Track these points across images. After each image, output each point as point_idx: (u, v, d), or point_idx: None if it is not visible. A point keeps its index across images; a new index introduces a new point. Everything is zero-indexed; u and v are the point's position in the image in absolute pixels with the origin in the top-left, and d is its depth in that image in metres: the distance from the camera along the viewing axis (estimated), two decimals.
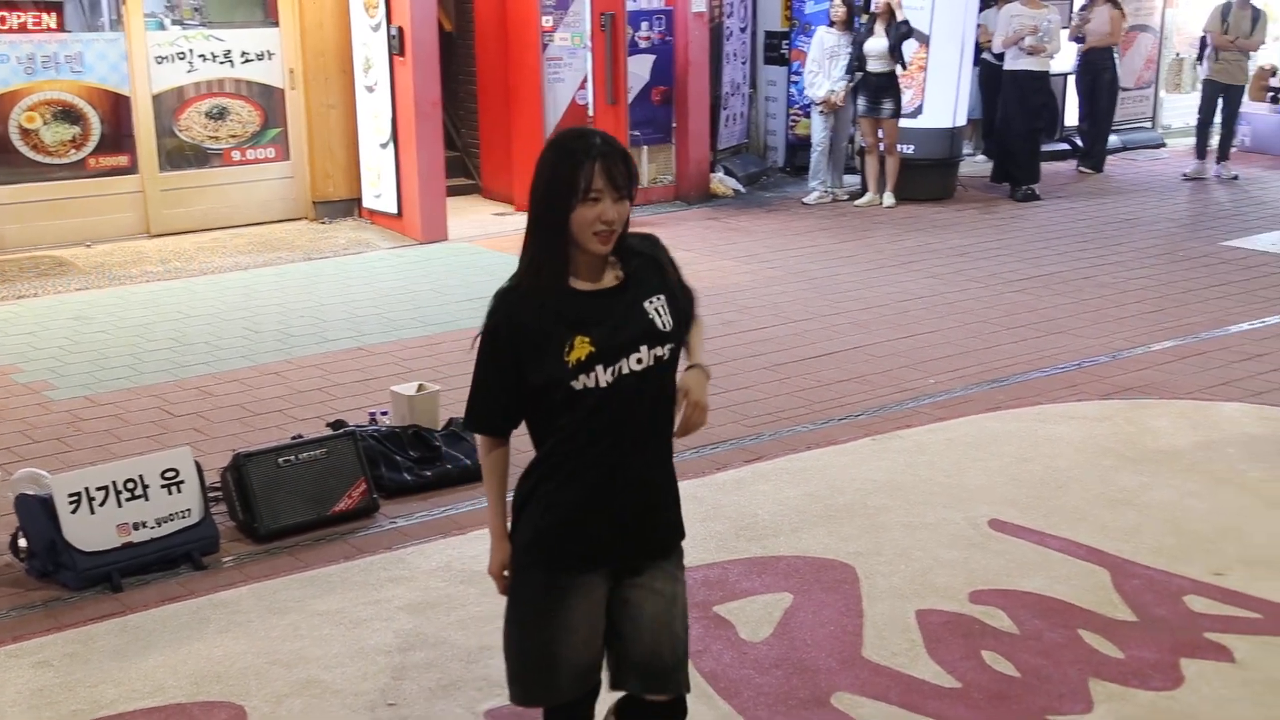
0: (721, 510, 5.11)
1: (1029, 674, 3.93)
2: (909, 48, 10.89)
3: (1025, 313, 7.92)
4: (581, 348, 2.71)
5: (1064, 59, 12.61)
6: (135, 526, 4.72)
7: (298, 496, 5.04)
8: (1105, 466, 5.50)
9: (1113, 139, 13.39)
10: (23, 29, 9.34)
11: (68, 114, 9.59)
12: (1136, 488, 5.28)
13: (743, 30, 12.24)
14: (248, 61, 10.20)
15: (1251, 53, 12.42)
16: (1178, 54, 14.76)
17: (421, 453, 5.51)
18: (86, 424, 6.23)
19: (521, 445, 2.90)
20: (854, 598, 4.40)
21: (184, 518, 4.81)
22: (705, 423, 2.92)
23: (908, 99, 11.17)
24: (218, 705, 3.85)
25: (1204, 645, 4.08)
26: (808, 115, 11.78)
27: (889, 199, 11.21)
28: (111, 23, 9.79)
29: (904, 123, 11.15)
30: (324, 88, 10.36)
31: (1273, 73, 14.09)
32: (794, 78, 12.20)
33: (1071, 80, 13.25)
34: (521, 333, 2.74)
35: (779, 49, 12.39)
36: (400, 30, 9.69)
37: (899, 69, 10.92)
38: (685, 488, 5.47)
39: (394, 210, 10.16)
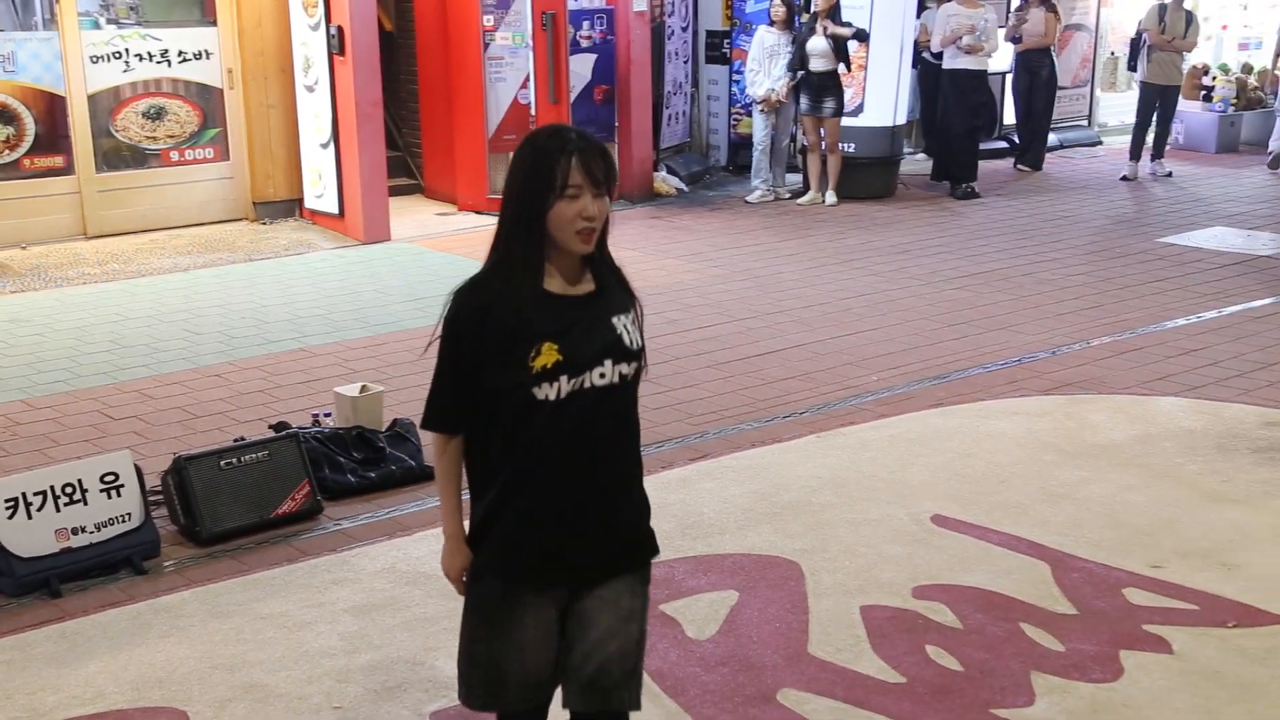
0: (667, 509, 5.11)
1: (972, 668, 3.97)
2: (851, 47, 10.97)
3: (966, 310, 8.01)
4: (549, 354, 2.62)
5: (1001, 58, 12.75)
6: (74, 531, 4.66)
7: (240, 499, 4.99)
8: (1046, 461, 5.57)
9: (1050, 137, 13.56)
10: None
11: (1, 114, 9.43)
12: (1076, 482, 5.35)
13: (684, 29, 12.27)
14: (185, 61, 10.08)
15: (1186, 53, 12.61)
16: (1113, 53, 14.97)
17: (365, 454, 5.48)
18: (23, 428, 6.13)
19: None
20: (799, 594, 4.43)
21: (124, 522, 4.75)
22: None
23: (849, 97, 11.25)
24: (159, 711, 3.80)
25: (1143, 637, 4.14)
26: (749, 114, 11.83)
27: (831, 197, 11.29)
28: (45, 21, 9.64)
29: (845, 121, 11.22)
30: (263, 87, 10.26)
31: (1205, 72, 14.34)
32: (735, 76, 12.26)
33: (1009, 79, 13.40)
34: (486, 330, 2.64)
35: (720, 48, 12.44)
36: (340, 29, 9.62)
37: (842, 69, 10.99)
38: None
39: (336, 210, 10.08)
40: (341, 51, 9.66)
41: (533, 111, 10.65)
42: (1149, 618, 4.26)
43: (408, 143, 11.96)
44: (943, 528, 4.93)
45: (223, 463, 5.02)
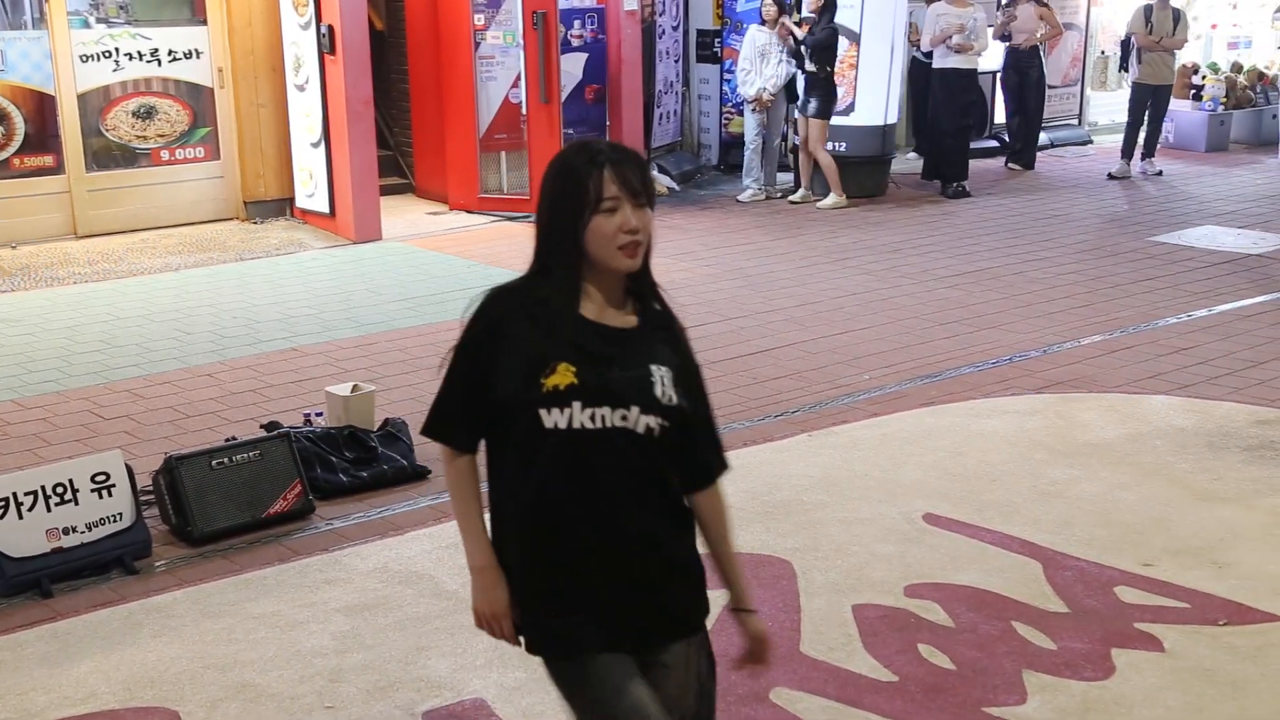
0: None
1: (964, 666, 3.97)
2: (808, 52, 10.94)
3: (957, 308, 8.02)
4: (563, 375, 2.39)
5: (991, 57, 12.77)
6: (65, 531, 4.64)
7: (231, 499, 4.98)
8: (1037, 460, 5.58)
9: (1041, 136, 13.59)
10: None
11: None
12: (1067, 480, 5.36)
13: (675, 28, 12.27)
14: (175, 60, 10.06)
15: (1177, 51, 12.63)
16: (1103, 52, 14.99)
17: (357, 454, 5.47)
18: (14, 428, 6.11)
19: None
20: (791, 593, 4.43)
21: (115, 522, 4.74)
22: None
23: (840, 95, 11.24)
24: (151, 711, 3.80)
25: (1134, 635, 4.15)
26: (741, 113, 11.83)
27: (830, 199, 11.23)
28: (34, 21, 9.62)
29: (836, 120, 11.22)
30: (254, 86, 10.24)
31: (1194, 70, 14.37)
32: (726, 76, 12.26)
33: (999, 78, 13.41)
34: (503, 337, 2.44)
35: (711, 47, 12.44)
36: (330, 29, 9.61)
37: (800, 70, 10.97)
38: None
39: (327, 210, 10.07)
40: (332, 50, 9.65)
41: (524, 110, 10.65)
42: (1140, 616, 4.27)
43: (399, 142, 11.95)
44: (935, 526, 4.94)
45: (214, 462, 5.01)
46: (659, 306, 2.56)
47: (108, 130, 9.90)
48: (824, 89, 10.96)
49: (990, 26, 12.63)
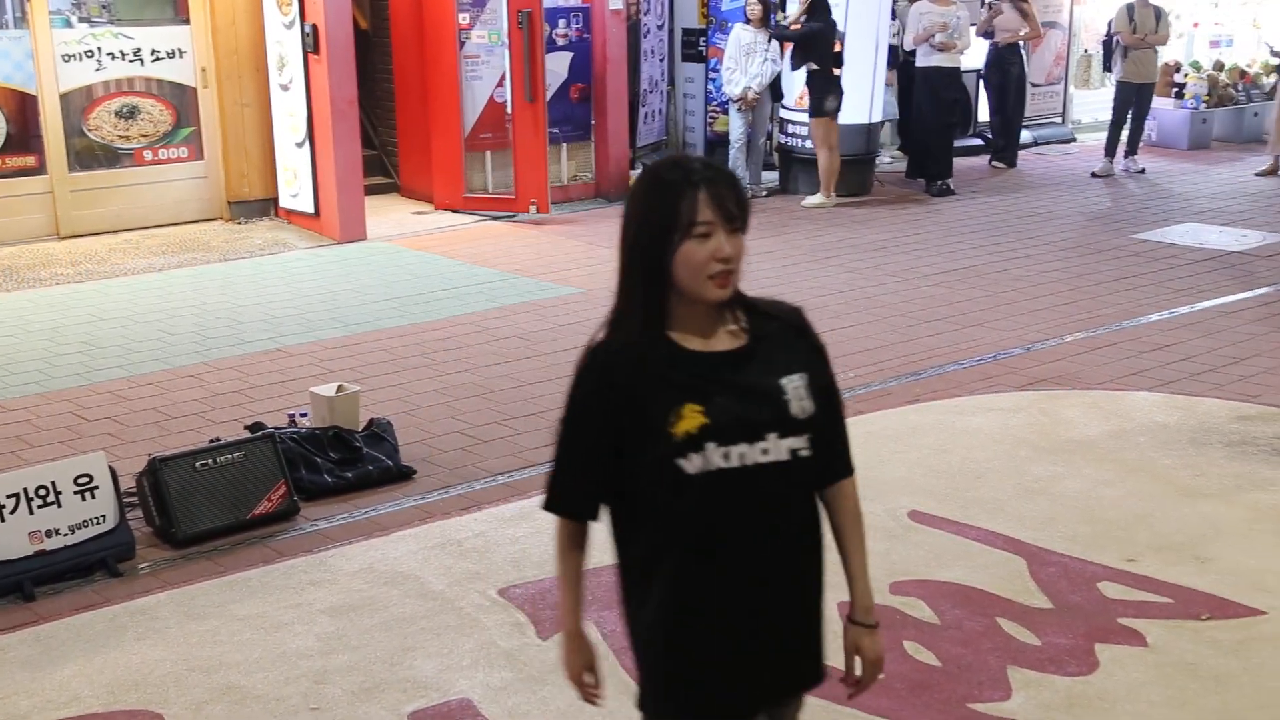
0: None
1: (949, 663, 3.98)
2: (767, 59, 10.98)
3: (942, 306, 8.03)
4: (691, 418, 2.22)
5: (975, 55, 12.80)
6: (48, 534, 4.63)
7: (216, 500, 4.97)
8: (1021, 457, 5.60)
9: (1024, 134, 13.62)
10: None
11: None
12: (1051, 477, 5.38)
13: (660, 27, 12.27)
14: (158, 60, 10.03)
15: (1160, 48, 12.68)
16: (1086, 50, 15.04)
17: (342, 454, 5.46)
18: None
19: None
20: None
21: (98, 524, 4.72)
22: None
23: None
24: (135, 714, 3.78)
25: (1117, 630, 4.16)
26: (726, 112, 11.84)
27: (818, 198, 11.22)
28: (16, 20, 9.58)
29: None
30: (237, 86, 10.22)
31: (1177, 69, 14.42)
32: (712, 75, 12.26)
33: (982, 76, 13.44)
34: (618, 396, 2.26)
35: (696, 46, 12.44)
36: (314, 28, 9.59)
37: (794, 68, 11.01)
38: None
39: (311, 210, 10.05)
40: (316, 50, 9.63)
41: (509, 110, 10.64)
42: (1124, 611, 4.28)
43: (383, 141, 11.92)
44: (919, 523, 4.95)
45: (198, 464, 5.00)
46: (761, 312, 2.37)
47: (90, 130, 9.86)
48: (818, 86, 10.96)
49: (974, 25, 12.67)
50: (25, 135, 9.65)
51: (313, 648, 4.12)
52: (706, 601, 2.29)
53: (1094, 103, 14.82)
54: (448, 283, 8.72)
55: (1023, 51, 13.01)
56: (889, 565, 4.61)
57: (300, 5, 9.64)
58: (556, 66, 11.05)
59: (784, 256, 9.42)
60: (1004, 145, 13.14)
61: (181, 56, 10.10)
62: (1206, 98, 14.26)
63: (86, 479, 4.74)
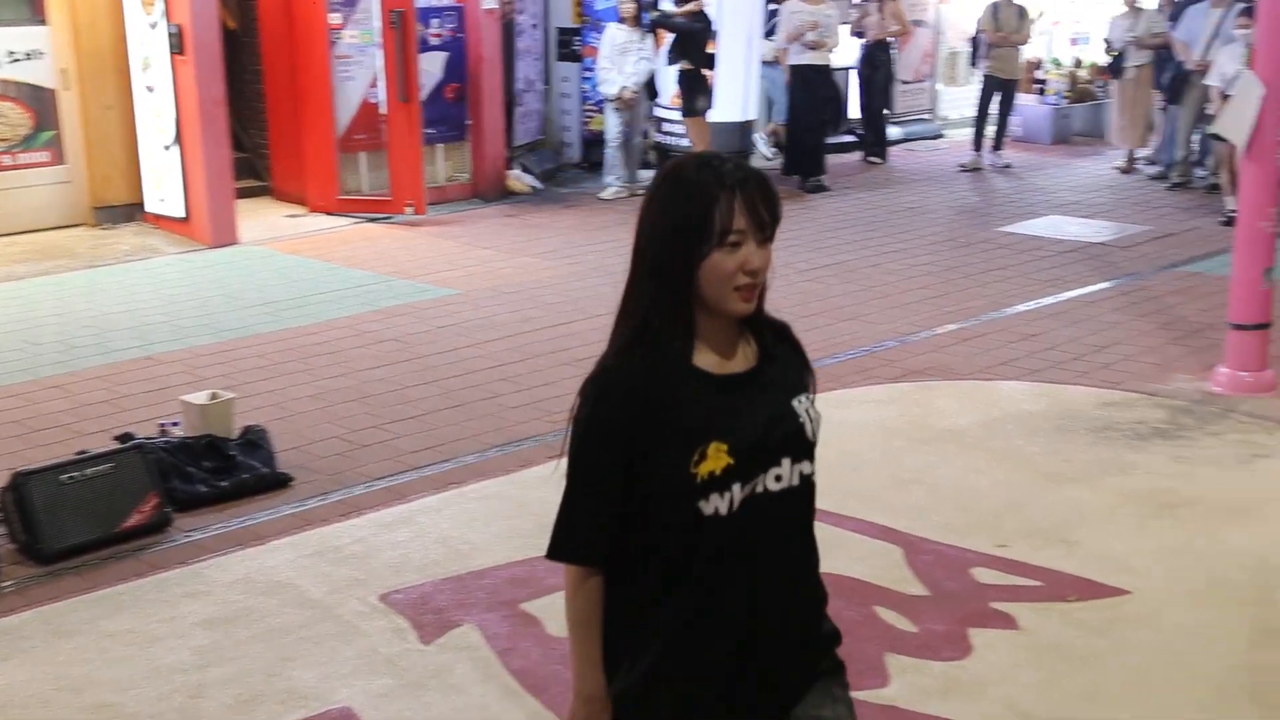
0: (527, 507, 5.11)
1: None
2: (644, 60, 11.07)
3: (816, 301, 8.15)
4: (716, 458, 2.06)
5: (846, 53, 13.00)
6: None
7: (84, 514, 4.84)
8: (896, 448, 5.71)
9: (894, 131, 13.88)
10: None
11: None
12: (925, 467, 5.49)
13: (535, 27, 12.24)
14: (15, 61, 9.72)
15: (1022, 46, 13.03)
16: (952, 49, 15.37)
17: (216, 463, 5.36)
18: None
19: None
20: None
21: None
22: None
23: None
24: None
25: (990, 614, 4.27)
26: (602, 111, 11.86)
27: None
28: None
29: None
30: (100, 88, 9.94)
31: (1038, 65, 14.82)
32: (587, 74, 12.27)
33: (854, 74, 13.66)
34: (636, 426, 2.08)
35: (571, 45, 12.44)
36: (180, 28, 9.37)
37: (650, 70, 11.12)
38: (489, 487, 5.47)
39: (181, 214, 9.83)
40: (182, 51, 9.41)
41: (383, 110, 10.52)
42: (996, 595, 4.40)
43: (254, 143, 11.70)
44: None
45: (64, 477, 4.86)
46: (765, 325, 2.22)
47: None
48: (689, 86, 11.04)
49: (848, 24, 12.90)
50: None
51: (188, 662, 4.04)
52: (720, 646, 2.15)
53: (961, 99, 15.14)
54: (323, 286, 8.60)
55: (891, 48, 13.26)
56: None
57: (165, 5, 9.42)
58: (430, 66, 10.97)
59: None
60: (874, 141, 13.37)
61: (40, 58, 9.80)
62: (1068, 93, 14.68)
63: None
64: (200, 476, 5.28)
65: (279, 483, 5.38)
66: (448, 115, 11.23)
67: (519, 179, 11.73)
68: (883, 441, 5.78)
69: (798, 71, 11.84)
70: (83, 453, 5.16)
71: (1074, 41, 15.85)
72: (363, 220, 10.58)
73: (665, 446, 2.07)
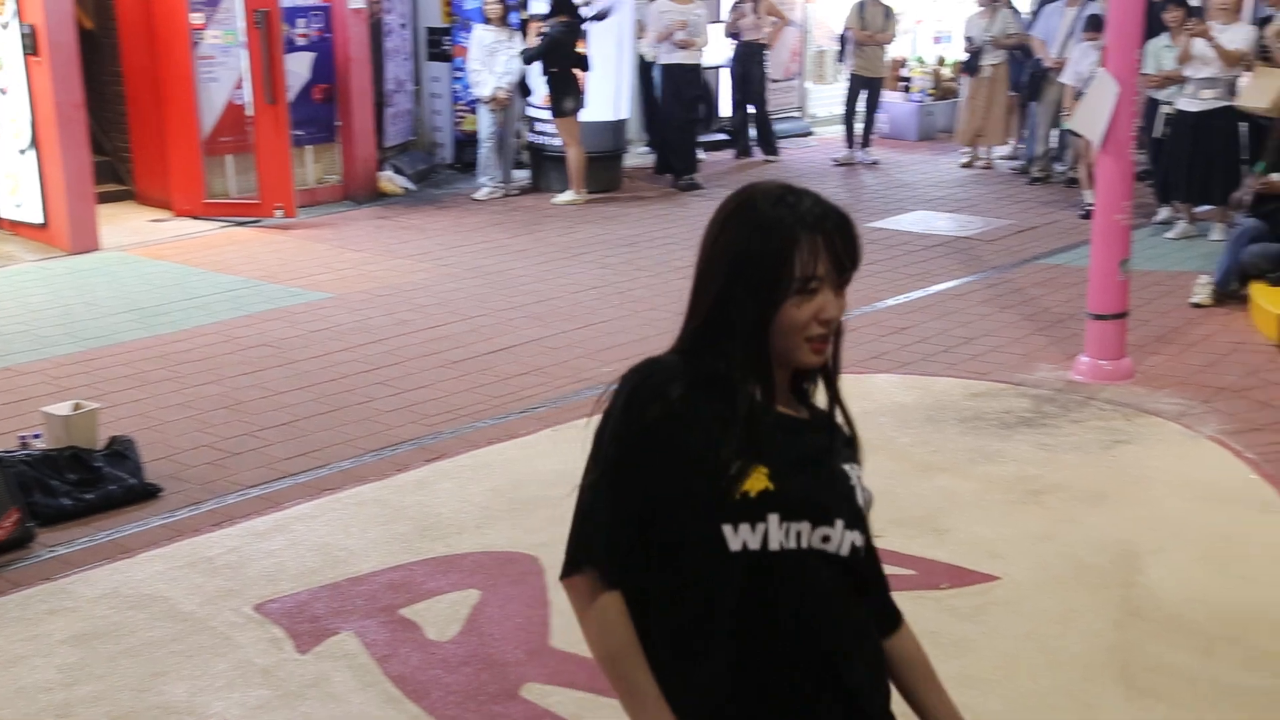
0: (404, 512, 5.07)
1: None
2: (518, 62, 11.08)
3: None
4: (756, 479, 1.84)
5: (716, 52, 13.12)
6: None
7: None
8: None
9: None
10: None
11: None
12: None
13: (403, 26, 12.12)
14: None
15: (886, 45, 13.29)
16: (820, 46, 15.61)
17: (81, 475, 5.21)
18: None
19: None
20: (540, 588, 4.46)
21: None
22: None
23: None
24: None
25: None
26: (474, 111, 11.80)
27: (569, 195, 11.29)
28: None
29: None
30: None
31: (903, 64, 15.14)
32: (457, 74, 12.19)
33: (725, 72, 13.79)
34: (671, 435, 1.88)
35: (441, 45, 12.35)
36: (33, 28, 9.08)
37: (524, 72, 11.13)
38: (365, 492, 5.40)
39: (39, 220, 9.51)
40: (36, 52, 9.12)
41: (249, 112, 10.32)
42: None
43: (116, 147, 11.37)
44: None
45: None
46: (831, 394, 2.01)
47: None
48: (557, 87, 11.02)
49: (722, 23, 13.06)
50: None
51: (54, 680, 3.92)
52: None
53: (829, 97, 15.39)
54: (190, 292, 8.41)
55: (765, 50, 13.42)
56: None
57: (17, 4, 9.11)
58: (297, 67, 10.79)
59: (537, 254, 9.45)
60: (761, 137, 13.49)
61: None
62: (932, 91, 15.01)
63: None
64: (64, 489, 5.13)
65: (147, 494, 5.25)
66: (316, 116, 11.07)
67: (391, 180, 11.60)
68: None
69: (667, 71, 11.92)
70: None
71: (937, 40, 16.20)
72: (231, 224, 10.37)
73: (700, 463, 1.86)
